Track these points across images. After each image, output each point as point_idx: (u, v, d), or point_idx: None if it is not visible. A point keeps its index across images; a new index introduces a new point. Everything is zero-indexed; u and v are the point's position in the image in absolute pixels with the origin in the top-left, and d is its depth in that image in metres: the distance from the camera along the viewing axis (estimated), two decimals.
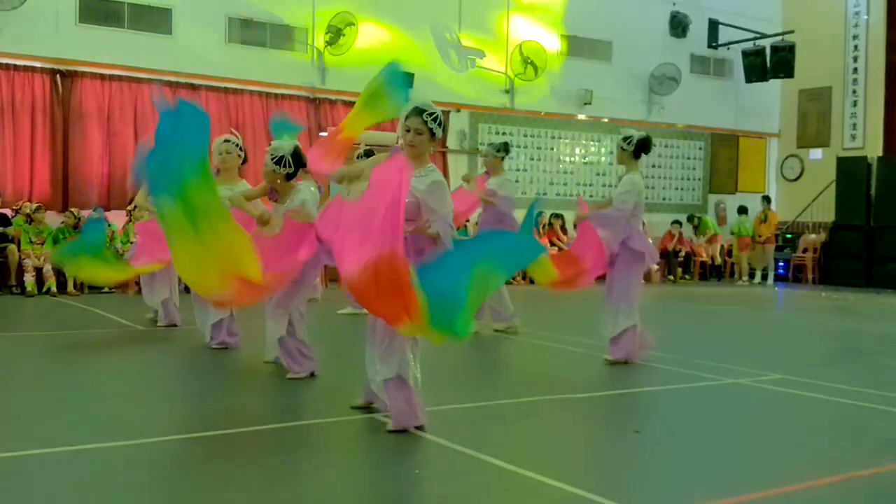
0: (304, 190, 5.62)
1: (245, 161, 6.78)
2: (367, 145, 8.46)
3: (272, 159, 5.56)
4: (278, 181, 5.62)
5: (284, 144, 5.64)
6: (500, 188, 8.03)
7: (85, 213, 11.32)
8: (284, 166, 5.55)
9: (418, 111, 4.30)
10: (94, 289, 10.84)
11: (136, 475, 3.61)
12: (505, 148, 8.25)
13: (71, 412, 4.70)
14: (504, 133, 15.29)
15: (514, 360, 7.20)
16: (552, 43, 15.45)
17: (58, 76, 11.59)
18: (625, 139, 6.54)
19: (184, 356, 6.61)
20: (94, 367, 6.19)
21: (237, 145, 6.63)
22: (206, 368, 6.24)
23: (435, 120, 4.31)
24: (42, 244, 10.68)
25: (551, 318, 10.22)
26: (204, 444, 4.12)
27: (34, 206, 10.94)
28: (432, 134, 4.31)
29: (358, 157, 7.63)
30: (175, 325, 7.80)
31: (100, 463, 3.75)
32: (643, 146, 6.52)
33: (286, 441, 4.28)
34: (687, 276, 16.51)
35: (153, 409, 4.84)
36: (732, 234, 16.69)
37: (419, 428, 4.31)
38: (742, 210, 16.74)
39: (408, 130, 4.31)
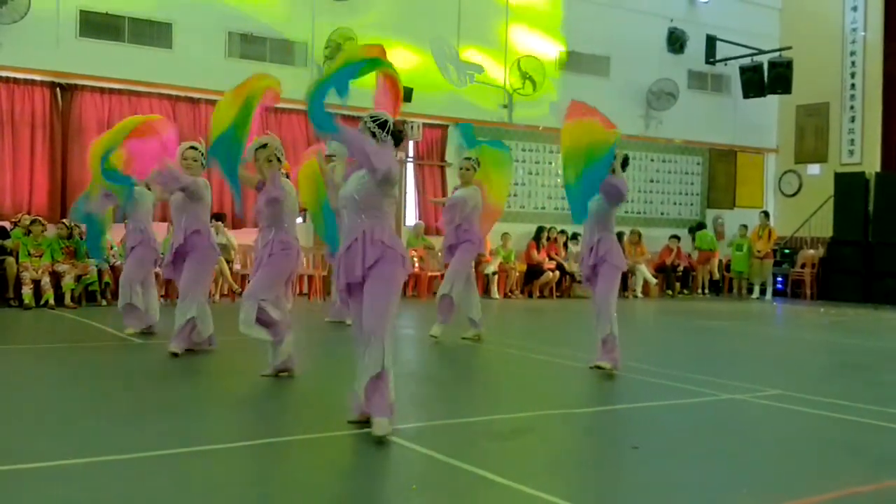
0: (286, 184, 6.13)
1: (206, 168, 7.18)
2: (334, 155, 8.58)
3: (275, 155, 6.05)
4: (270, 173, 6.05)
5: (277, 142, 6.16)
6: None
7: (82, 226, 11.33)
8: (279, 161, 6.09)
9: (364, 117, 4.64)
10: (92, 301, 10.83)
11: (129, 490, 3.59)
12: (479, 162, 8.50)
13: (65, 426, 4.68)
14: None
15: (510, 374, 7.19)
16: (550, 58, 15.51)
17: (58, 89, 11.62)
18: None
19: (179, 369, 6.58)
20: (89, 381, 6.17)
21: (202, 153, 7.01)
22: (198, 381, 6.24)
23: (375, 122, 4.57)
24: (40, 257, 10.67)
25: (548, 333, 10.20)
26: (196, 459, 4.11)
27: (30, 218, 10.94)
28: (373, 135, 4.55)
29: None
30: (151, 331, 8.00)
31: (94, 478, 3.74)
32: (625, 162, 6.87)
33: (279, 456, 4.27)
34: (686, 291, 16.52)
35: (147, 423, 4.82)
36: (696, 247, 16.76)
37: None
38: (701, 226, 16.96)
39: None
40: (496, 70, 15.03)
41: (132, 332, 7.99)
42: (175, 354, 6.84)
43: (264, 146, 5.99)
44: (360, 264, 4.46)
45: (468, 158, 8.51)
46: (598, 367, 6.59)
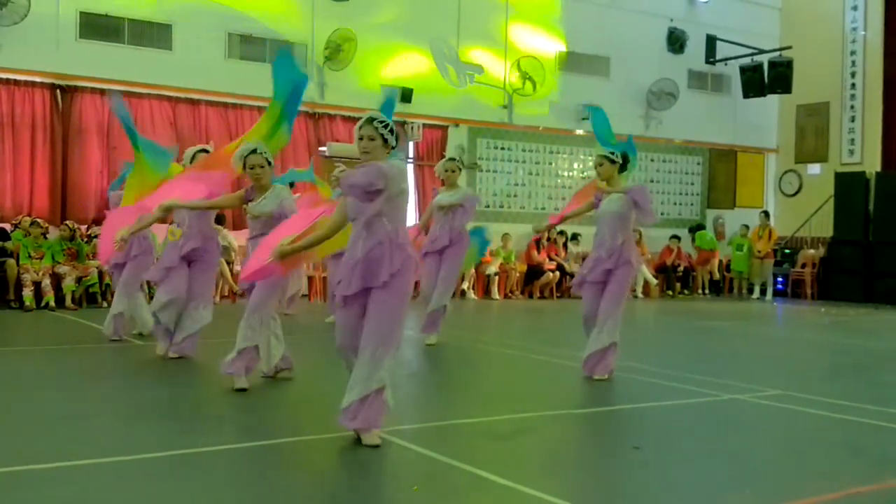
0: (283, 190, 5.96)
1: None
2: (335, 157, 8.58)
3: (264, 158, 5.86)
4: (262, 180, 5.87)
5: (265, 145, 5.95)
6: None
7: (82, 227, 11.34)
8: (270, 165, 5.92)
9: (370, 119, 4.40)
10: (92, 303, 10.83)
11: (129, 491, 3.59)
12: (463, 162, 8.48)
13: (65, 427, 4.68)
14: (502, 148, 15.35)
15: (510, 375, 7.18)
16: (550, 58, 15.51)
17: (58, 91, 11.62)
18: (611, 152, 6.63)
19: (178, 370, 6.57)
20: (89, 382, 6.17)
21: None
22: (197, 382, 6.23)
23: (386, 127, 4.38)
24: (41, 259, 10.67)
25: (548, 333, 10.20)
26: (196, 460, 4.10)
27: (31, 220, 10.93)
28: (384, 140, 4.37)
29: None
30: (119, 339, 7.84)
31: (93, 479, 3.74)
32: (626, 160, 6.70)
33: (278, 457, 4.26)
34: (686, 291, 16.52)
35: (147, 424, 4.82)
36: (696, 248, 16.77)
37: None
38: (700, 226, 16.96)
39: (360, 138, 4.39)
40: (496, 70, 15.03)
41: (115, 339, 7.87)
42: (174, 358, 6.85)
43: (254, 151, 5.83)
44: (385, 270, 4.25)
45: (453, 159, 8.49)
46: (599, 380, 6.41)
